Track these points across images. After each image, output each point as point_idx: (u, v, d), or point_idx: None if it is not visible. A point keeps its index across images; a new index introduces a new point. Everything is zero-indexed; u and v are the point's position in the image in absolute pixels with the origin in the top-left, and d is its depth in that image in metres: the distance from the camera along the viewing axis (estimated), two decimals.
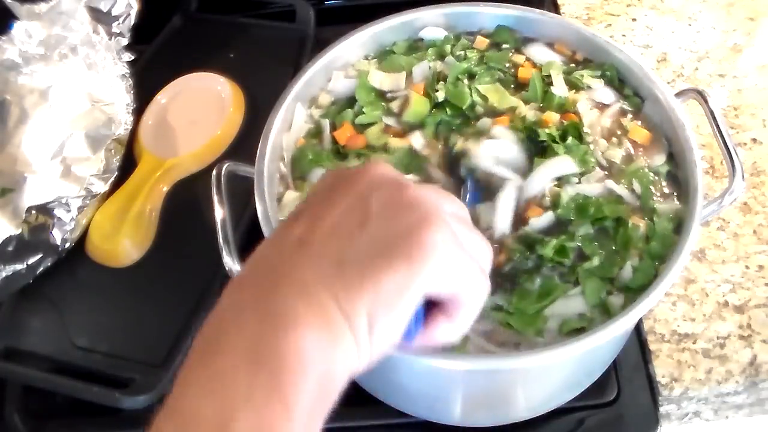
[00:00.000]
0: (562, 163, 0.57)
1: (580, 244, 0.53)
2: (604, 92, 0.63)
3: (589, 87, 0.63)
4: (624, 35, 0.89)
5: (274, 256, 0.37)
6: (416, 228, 0.35)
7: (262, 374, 0.31)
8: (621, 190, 0.56)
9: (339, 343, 0.34)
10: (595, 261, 0.52)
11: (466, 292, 0.38)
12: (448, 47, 0.67)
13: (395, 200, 0.37)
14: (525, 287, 0.52)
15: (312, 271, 0.34)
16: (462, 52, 0.66)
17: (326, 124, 0.62)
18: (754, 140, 0.78)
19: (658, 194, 0.57)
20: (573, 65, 0.66)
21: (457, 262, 0.37)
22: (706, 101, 0.59)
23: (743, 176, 0.55)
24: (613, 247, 0.53)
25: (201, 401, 0.31)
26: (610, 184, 0.56)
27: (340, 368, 0.34)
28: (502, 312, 0.51)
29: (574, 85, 0.63)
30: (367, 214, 0.36)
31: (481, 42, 0.67)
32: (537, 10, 0.68)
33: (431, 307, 0.39)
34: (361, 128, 0.62)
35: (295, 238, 0.36)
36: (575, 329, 0.50)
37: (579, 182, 0.57)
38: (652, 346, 0.64)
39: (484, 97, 0.62)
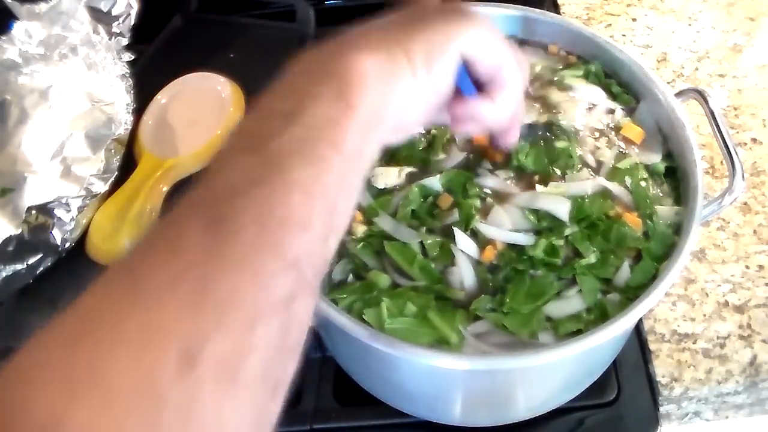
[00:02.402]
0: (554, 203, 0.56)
1: (572, 243, 0.53)
2: (590, 91, 0.63)
3: (570, 87, 0.63)
4: (624, 35, 0.89)
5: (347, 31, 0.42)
6: (465, 8, 0.44)
7: (329, 83, 0.36)
8: (613, 186, 0.56)
9: (398, 73, 0.38)
10: (592, 258, 0.52)
11: (504, 69, 0.44)
12: None
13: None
14: (518, 286, 0.52)
15: (381, 32, 0.40)
16: None
17: None
18: (754, 140, 0.78)
19: (654, 192, 0.57)
20: (561, 66, 0.66)
21: (498, 39, 0.43)
22: (706, 101, 0.59)
23: (743, 176, 0.55)
24: (608, 246, 0.53)
25: (278, 101, 0.36)
26: (602, 181, 0.57)
27: (397, 98, 0.38)
28: (496, 313, 0.51)
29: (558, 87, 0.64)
30: (427, 7, 0.44)
31: None
32: (537, 10, 0.68)
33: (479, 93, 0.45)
34: None
35: (367, 22, 0.43)
36: (572, 332, 0.50)
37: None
38: (652, 346, 0.64)
39: None
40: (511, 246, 0.54)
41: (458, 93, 0.45)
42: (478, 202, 0.55)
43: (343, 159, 0.35)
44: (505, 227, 0.54)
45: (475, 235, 0.54)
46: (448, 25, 0.41)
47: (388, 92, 0.38)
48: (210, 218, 0.30)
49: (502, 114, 0.46)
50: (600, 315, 0.51)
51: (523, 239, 0.54)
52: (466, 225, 0.54)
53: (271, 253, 0.31)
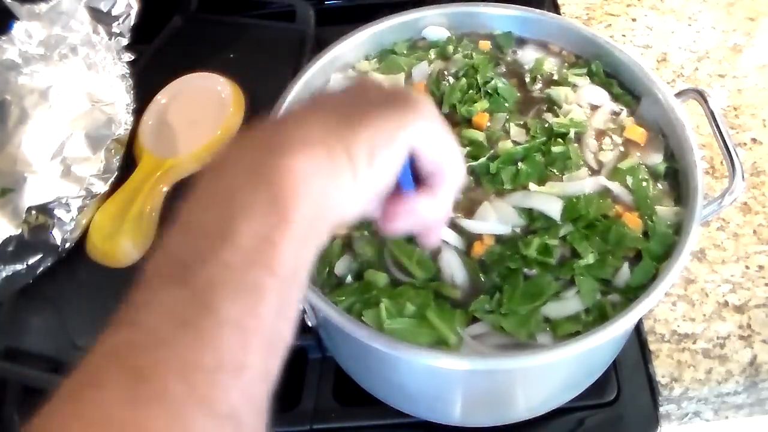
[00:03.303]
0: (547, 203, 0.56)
1: (570, 244, 0.53)
2: (594, 92, 0.63)
3: (575, 85, 0.64)
4: (624, 35, 0.89)
5: (282, 116, 0.39)
6: (412, 96, 0.40)
7: (261, 189, 0.33)
8: (614, 186, 0.56)
9: (337, 173, 0.35)
10: (590, 259, 0.52)
11: (448, 163, 0.41)
12: (450, 48, 0.67)
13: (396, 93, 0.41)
14: (514, 287, 0.52)
15: (318, 123, 0.36)
16: (467, 53, 0.67)
17: None
18: (754, 140, 0.78)
19: (656, 192, 0.57)
20: (566, 65, 0.66)
21: (444, 131, 0.40)
22: (706, 101, 0.59)
23: (743, 176, 0.55)
24: (606, 247, 0.53)
25: (204, 213, 0.33)
26: (602, 180, 0.57)
27: (336, 201, 0.35)
28: (494, 314, 0.51)
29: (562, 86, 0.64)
30: (370, 92, 0.41)
31: (485, 44, 0.68)
32: (537, 10, 0.68)
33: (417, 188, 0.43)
34: None
35: (304, 103, 0.40)
36: (570, 333, 0.50)
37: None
38: (652, 346, 0.64)
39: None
40: (501, 243, 0.54)
41: (396, 187, 0.41)
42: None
43: (279, 282, 0.31)
44: (489, 220, 0.55)
45: (460, 231, 0.55)
46: (396, 115, 0.37)
47: (326, 196, 0.34)
48: (131, 374, 0.27)
49: (441, 210, 0.43)
50: (599, 316, 0.51)
51: (502, 229, 0.54)
52: None
53: (201, 411, 0.28)
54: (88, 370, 0.29)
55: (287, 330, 0.33)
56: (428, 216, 0.43)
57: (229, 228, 0.31)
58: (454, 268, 0.53)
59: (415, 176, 0.42)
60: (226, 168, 0.35)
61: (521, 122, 0.62)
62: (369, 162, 0.36)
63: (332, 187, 0.35)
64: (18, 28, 0.84)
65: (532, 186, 0.56)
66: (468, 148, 0.60)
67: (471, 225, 0.55)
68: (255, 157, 0.34)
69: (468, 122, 0.62)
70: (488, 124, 0.62)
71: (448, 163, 0.41)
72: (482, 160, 0.59)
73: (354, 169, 0.35)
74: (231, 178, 0.34)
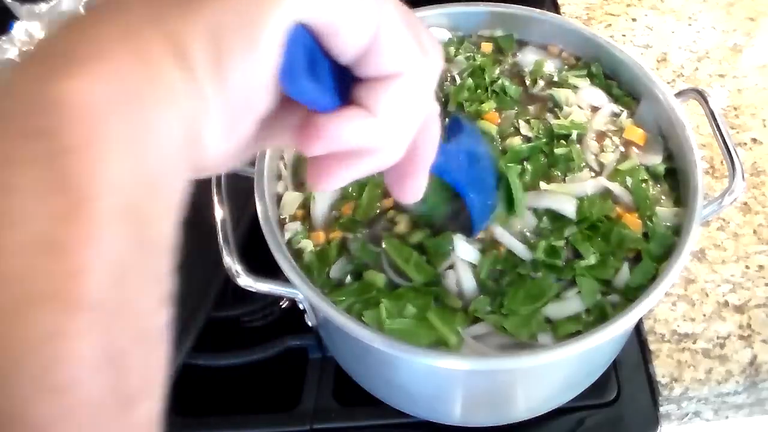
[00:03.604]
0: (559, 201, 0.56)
1: (572, 244, 0.53)
2: (594, 93, 0.63)
3: (575, 87, 0.64)
4: (624, 35, 0.89)
5: (88, 11, 0.22)
6: None
7: (30, 151, 0.19)
8: (614, 187, 0.56)
9: (163, 88, 0.21)
10: (591, 260, 0.52)
11: (386, 40, 0.24)
12: (452, 49, 0.67)
13: None
14: (517, 288, 0.52)
15: (129, 10, 0.22)
16: (470, 54, 0.67)
17: None
18: (754, 140, 0.78)
19: (655, 193, 0.57)
20: (566, 67, 0.66)
21: None
22: (706, 101, 0.59)
23: (743, 176, 0.55)
24: (608, 248, 0.53)
25: None
26: (603, 181, 0.57)
27: (170, 138, 0.21)
28: (495, 315, 0.51)
29: (563, 88, 0.64)
30: None
31: (487, 47, 0.68)
32: (537, 10, 0.68)
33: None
34: None
35: None
36: (571, 333, 0.50)
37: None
38: (652, 346, 0.64)
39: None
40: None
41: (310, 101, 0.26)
42: None
43: (93, 316, 0.19)
44: (515, 229, 0.55)
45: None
46: None
47: (150, 135, 0.20)
48: None
49: (396, 132, 0.26)
50: (599, 316, 0.51)
51: (524, 252, 0.53)
52: None
53: None
54: None
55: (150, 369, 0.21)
56: (373, 144, 0.26)
57: None
58: (465, 281, 0.53)
59: (342, 83, 0.26)
60: None
61: (528, 118, 0.62)
62: (216, 63, 0.22)
63: (157, 117, 0.21)
64: (18, 28, 0.83)
65: (543, 185, 0.56)
66: None
67: (500, 234, 0.54)
68: (23, 93, 0.20)
69: (478, 118, 0.62)
70: (498, 121, 0.62)
71: (386, 41, 0.24)
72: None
73: (193, 79, 0.21)
74: None
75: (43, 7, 0.83)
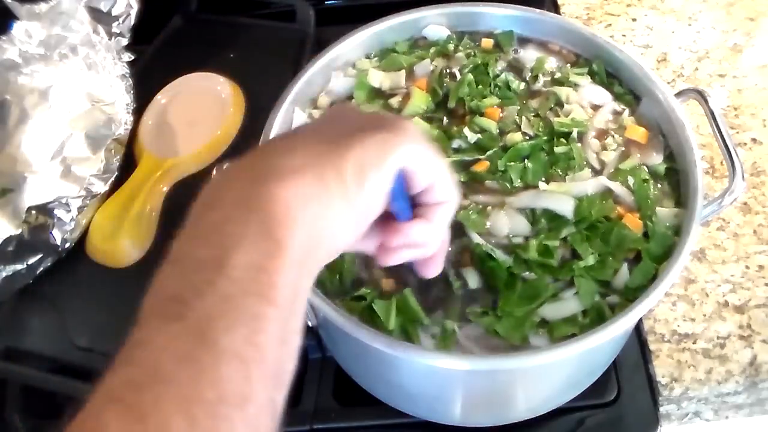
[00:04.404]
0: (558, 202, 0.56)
1: (571, 245, 0.53)
2: (595, 91, 0.63)
3: (576, 85, 0.64)
4: (624, 35, 0.89)
5: (267, 145, 0.38)
6: (396, 118, 0.40)
7: (253, 219, 0.32)
8: (615, 186, 0.56)
9: (329, 196, 0.34)
10: (590, 260, 0.52)
11: (441, 183, 0.40)
12: (451, 46, 0.67)
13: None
14: (511, 289, 0.52)
15: (305, 148, 0.36)
16: (470, 51, 0.67)
17: None
18: (754, 140, 0.78)
19: (656, 193, 0.57)
20: (568, 65, 0.66)
21: (432, 151, 0.40)
22: (706, 101, 0.59)
23: (743, 176, 0.55)
24: (607, 249, 0.53)
25: (196, 248, 0.32)
26: (604, 180, 0.57)
27: (330, 226, 0.35)
28: (488, 317, 0.51)
29: (564, 86, 0.64)
30: (352, 117, 0.41)
31: (487, 43, 0.68)
32: (537, 10, 0.68)
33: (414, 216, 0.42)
34: None
35: (287, 133, 0.40)
36: (566, 336, 0.50)
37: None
38: (652, 346, 0.64)
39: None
40: (502, 247, 0.54)
41: (389, 219, 0.41)
42: (474, 215, 0.56)
43: (277, 310, 0.31)
44: (503, 233, 0.55)
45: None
46: (382, 135, 0.37)
47: (320, 221, 0.34)
48: (131, 413, 0.27)
49: (438, 235, 0.42)
50: (596, 317, 0.51)
51: (503, 257, 0.54)
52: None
53: None
54: (89, 413, 0.28)
55: (290, 360, 0.32)
56: (425, 241, 0.42)
57: (223, 260, 0.31)
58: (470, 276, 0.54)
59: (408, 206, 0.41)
60: (215, 200, 0.34)
61: (531, 114, 0.62)
62: (359, 183, 0.35)
63: (325, 210, 0.34)
64: (18, 28, 0.84)
65: (542, 185, 0.56)
66: (479, 135, 0.60)
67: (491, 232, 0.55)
68: (244, 187, 0.34)
69: (477, 114, 0.62)
70: (501, 115, 0.62)
71: (441, 183, 0.40)
72: (491, 151, 0.59)
73: (345, 191, 0.35)
74: (221, 210, 0.33)
75: (43, 7, 0.83)
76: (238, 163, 0.36)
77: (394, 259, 0.42)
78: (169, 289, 0.31)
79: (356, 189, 0.35)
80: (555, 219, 0.55)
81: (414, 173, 0.39)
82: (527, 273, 0.53)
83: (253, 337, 0.30)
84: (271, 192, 0.33)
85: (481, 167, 0.58)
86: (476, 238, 0.54)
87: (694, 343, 0.64)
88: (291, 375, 0.32)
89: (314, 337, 0.65)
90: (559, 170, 0.58)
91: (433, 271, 0.46)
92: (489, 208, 0.56)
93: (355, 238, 0.38)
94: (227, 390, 0.28)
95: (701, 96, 0.59)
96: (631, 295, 0.51)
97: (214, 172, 0.38)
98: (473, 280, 0.53)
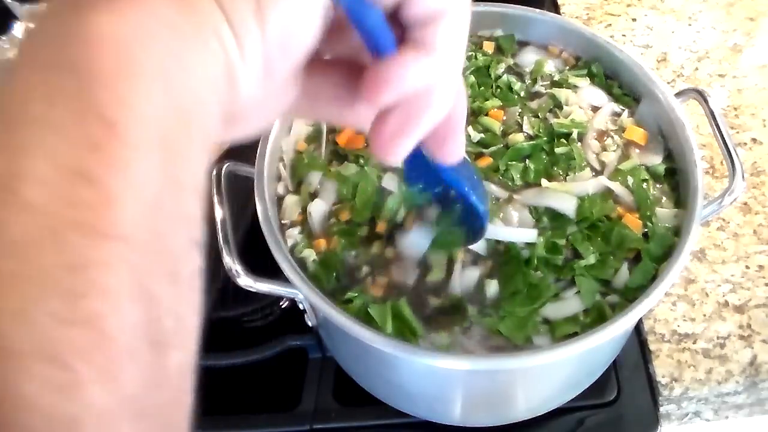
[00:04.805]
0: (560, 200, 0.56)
1: (572, 244, 0.53)
2: (594, 93, 0.64)
3: (575, 86, 0.64)
4: (624, 35, 0.89)
5: None
6: None
7: (63, 82, 0.19)
8: (616, 186, 0.57)
9: (200, 32, 0.20)
10: (591, 259, 0.52)
11: (454, 9, 0.25)
12: None
13: None
14: (515, 290, 0.52)
15: None
16: (471, 53, 0.67)
17: (324, 126, 0.62)
18: (754, 140, 0.78)
19: (656, 193, 0.57)
20: (567, 68, 0.66)
21: None
22: (706, 101, 0.59)
23: (743, 176, 0.55)
24: (608, 248, 0.53)
25: None
26: (604, 180, 0.57)
27: (206, 77, 0.21)
28: (491, 318, 0.51)
29: (563, 88, 0.64)
30: None
31: (489, 45, 0.68)
32: (537, 10, 0.68)
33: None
34: None
35: None
36: (568, 335, 0.50)
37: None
38: (652, 346, 0.64)
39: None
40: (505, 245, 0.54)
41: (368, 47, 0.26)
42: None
43: (129, 249, 0.18)
44: (512, 225, 0.55)
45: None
46: None
47: (185, 71, 0.20)
48: None
49: (446, 76, 0.26)
50: (597, 317, 0.51)
51: (530, 236, 0.53)
52: None
53: None
54: None
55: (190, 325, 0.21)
56: (428, 85, 0.26)
57: (15, 174, 0.18)
58: (464, 277, 0.53)
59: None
60: (20, 62, 0.20)
61: (531, 116, 0.62)
62: (258, 9, 0.22)
63: (191, 54, 0.20)
64: (18, 28, 0.84)
65: (544, 182, 0.56)
66: (482, 135, 0.60)
67: (500, 231, 0.54)
68: (51, 27, 0.20)
69: (480, 115, 0.62)
70: (504, 118, 0.62)
71: (451, 11, 0.25)
72: (494, 148, 0.59)
73: (231, 26, 0.21)
74: (24, 76, 0.19)
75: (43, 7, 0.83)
76: None
77: (397, 148, 0.27)
78: None
79: (251, 13, 0.22)
80: (557, 218, 0.55)
81: None
82: (532, 272, 0.53)
83: (95, 326, 0.18)
84: (91, 27, 0.19)
85: (485, 162, 0.58)
86: (497, 227, 0.53)
87: (694, 343, 0.64)
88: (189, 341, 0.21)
89: (314, 337, 0.65)
90: (560, 170, 0.58)
91: (453, 149, 0.31)
92: (500, 200, 0.56)
93: (260, 104, 0.24)
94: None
95: (701, 96, 0.59)
96: (631, 295, 0.51)
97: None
98: (492, 288, 0.53)
